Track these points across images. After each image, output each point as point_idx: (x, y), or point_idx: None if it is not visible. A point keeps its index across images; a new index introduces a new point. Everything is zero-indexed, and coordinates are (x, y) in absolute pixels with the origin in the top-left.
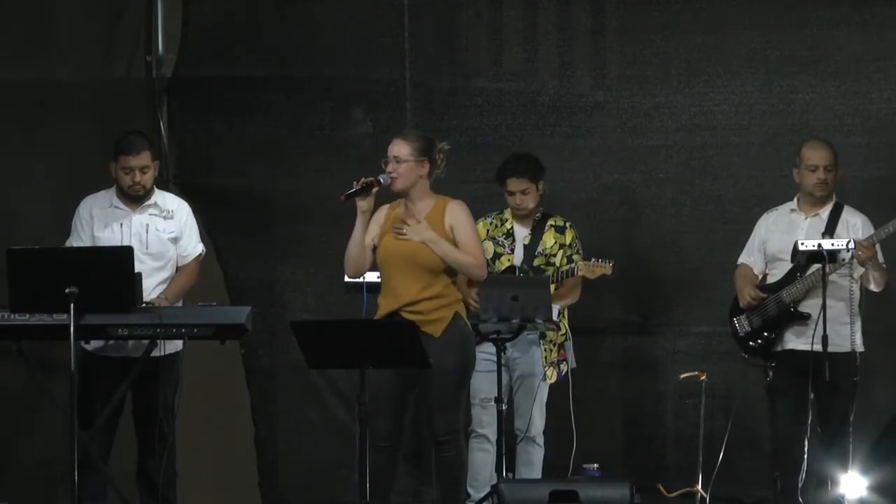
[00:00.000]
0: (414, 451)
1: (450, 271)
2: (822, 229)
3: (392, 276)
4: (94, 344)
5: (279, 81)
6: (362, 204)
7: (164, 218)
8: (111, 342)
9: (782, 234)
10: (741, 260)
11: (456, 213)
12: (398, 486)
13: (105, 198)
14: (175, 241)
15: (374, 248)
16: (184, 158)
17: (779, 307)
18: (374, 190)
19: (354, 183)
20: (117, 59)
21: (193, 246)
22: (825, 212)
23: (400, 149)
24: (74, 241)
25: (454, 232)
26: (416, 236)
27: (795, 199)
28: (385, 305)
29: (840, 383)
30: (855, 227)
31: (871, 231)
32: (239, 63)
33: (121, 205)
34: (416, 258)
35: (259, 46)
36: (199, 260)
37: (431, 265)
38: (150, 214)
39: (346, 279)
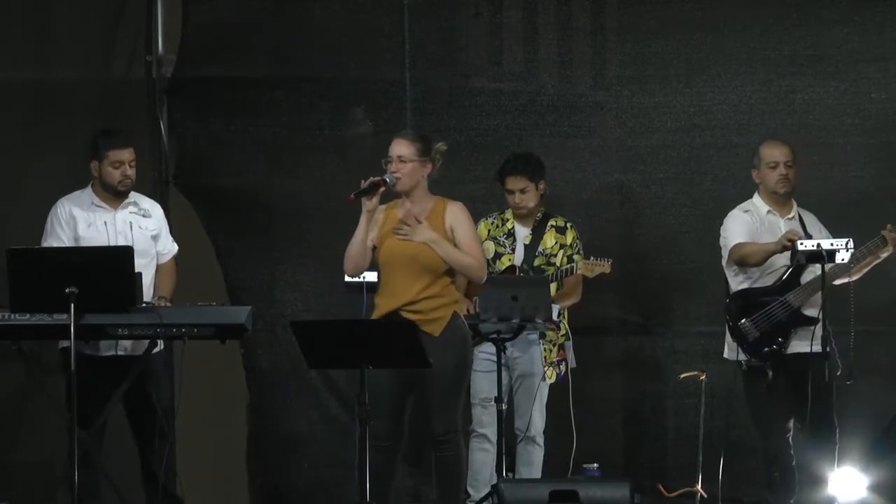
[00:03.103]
0: (414, 451)
1: (450, 272)
2: (801, 230)
3: (393, 277)
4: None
5: (279, 81)
6: (368, 203)
7: (144, 216)
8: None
9: (770, 235)
10: (740, 240)
11: (456, 215)
12: (398, 486)
13: (84, 197)
14: (155, 238)
15: (374, 248)
16: (184, 158)
17: (787, 311)
18: (381, 190)
19: (362, 182)
20: (117, 59)
21: (171, 244)
22: (795, 212)
23: (403, 148)
24: (53, 243)
25: (454, 233)
26: (418, 237)
27: (761, 201)
28: (384, 305)
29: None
30: (818, 226)
31: (823, 227)
32: (239, 63)
33: (102, 203)
34: (419, 259)
35: (259, 46)
36: (176, 259)
37: (433, 266)
38: (131, 212)
39: (347, 279)
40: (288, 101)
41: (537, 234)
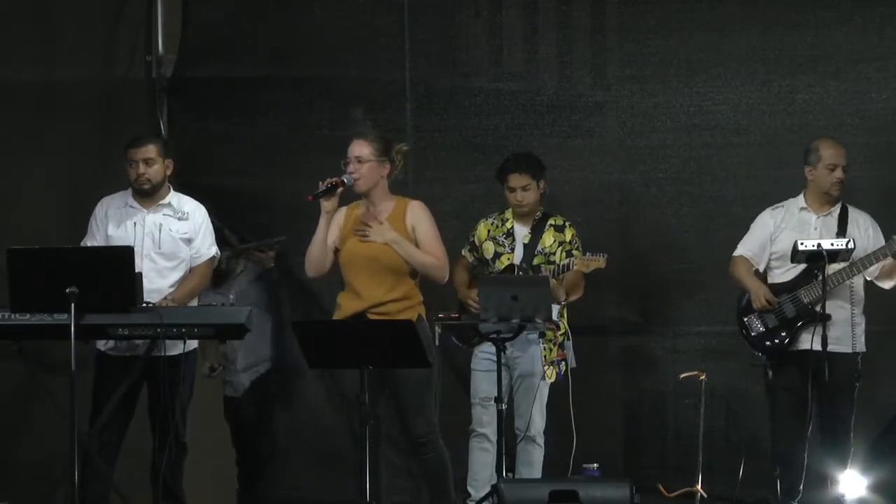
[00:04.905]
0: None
1: (413, 273)
2: (835, 228)
3: (356, 278)
4: (107, 343)
5: (279, 81)
6: (327, 204)
7: (179, 219)
8: (125, 342)
9: (792, 231)
10: (740, 253)
11: (417, 214)
12: (398, 486)
13: (121, 198)
14: (188, 242)
15: (336, 250)
16: (184, 158)
17: (797, 307)
18: (339, 190)
19: (320, 183)
20: (117, 59)
21: (207, 248)
22: (836, 210)
23: (361, 149)
24: (89, 241)
25: (416, 232)
26: (379, 237)
27: (802, 197)
28: (349, 306)
29: (845, 383)
30: (865, 226)
31: (878, 229)
32: (239, 63)
33: (135, 204)
34: (380, 259)
35: (259, 46)
36: (212, 263)
37: (395, 266)
38: (164, 214)
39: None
40: (288, 101)
41: (536, 233)
